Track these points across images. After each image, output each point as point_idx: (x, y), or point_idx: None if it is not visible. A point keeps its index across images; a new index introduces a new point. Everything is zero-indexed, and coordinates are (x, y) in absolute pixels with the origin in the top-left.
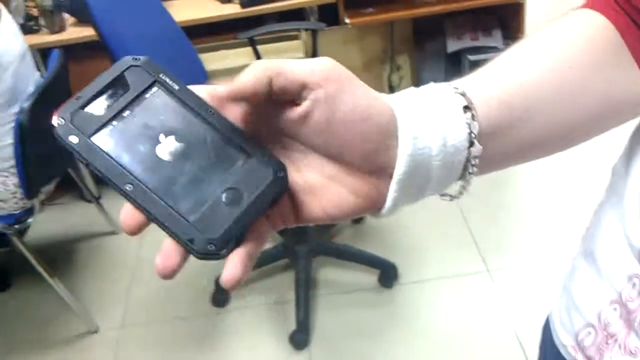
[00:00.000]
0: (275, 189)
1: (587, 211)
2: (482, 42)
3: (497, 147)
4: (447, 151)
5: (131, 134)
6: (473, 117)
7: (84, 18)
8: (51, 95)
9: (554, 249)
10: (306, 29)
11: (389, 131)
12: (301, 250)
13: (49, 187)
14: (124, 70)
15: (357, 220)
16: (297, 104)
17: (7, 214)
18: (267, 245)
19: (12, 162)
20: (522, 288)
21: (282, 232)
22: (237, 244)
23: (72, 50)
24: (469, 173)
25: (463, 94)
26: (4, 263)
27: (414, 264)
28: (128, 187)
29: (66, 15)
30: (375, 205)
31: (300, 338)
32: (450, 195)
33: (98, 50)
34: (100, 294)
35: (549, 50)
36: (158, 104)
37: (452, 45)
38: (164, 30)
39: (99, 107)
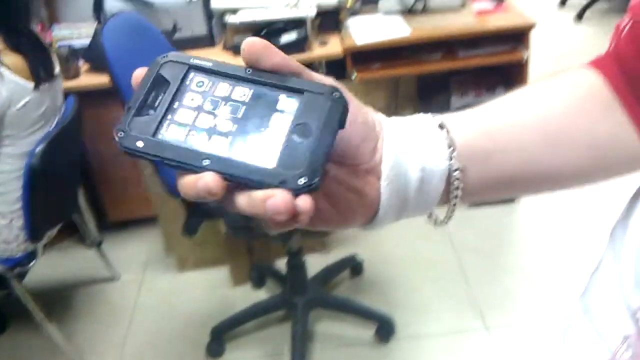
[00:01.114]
0: (337, 109)
1: (588, 271)
2: (487, 99)
3: (477, 172)
4: (426, 159)
5: (188, 119)
6: (448, 132)
7: (97, 65)
8: (64, 140)
9: (553, 308)
10: None
11: (380, 135)
12: (299, 301)
13: (52, 232)
14: (159, 70)
15: (356, 273)
16: None
17: (9, 257)
18: (265, 296)
19: (19, 205)
20: (520, 347)
21: (280, 284)
22: (324, 171)
23: (85, 97)
24: (455, 197)
25: (440, 121)
26: (1, 306)
27: (411, 319)
28: (205, 162)
29: (80, 62)
30: (373, 208)
31: None
32: (436, 220)
33: (110, 97)
34: (96, 341)
35: (537, 97)
36: (200, 84)
37: (457, 102)
38: None
39: (150, 108)
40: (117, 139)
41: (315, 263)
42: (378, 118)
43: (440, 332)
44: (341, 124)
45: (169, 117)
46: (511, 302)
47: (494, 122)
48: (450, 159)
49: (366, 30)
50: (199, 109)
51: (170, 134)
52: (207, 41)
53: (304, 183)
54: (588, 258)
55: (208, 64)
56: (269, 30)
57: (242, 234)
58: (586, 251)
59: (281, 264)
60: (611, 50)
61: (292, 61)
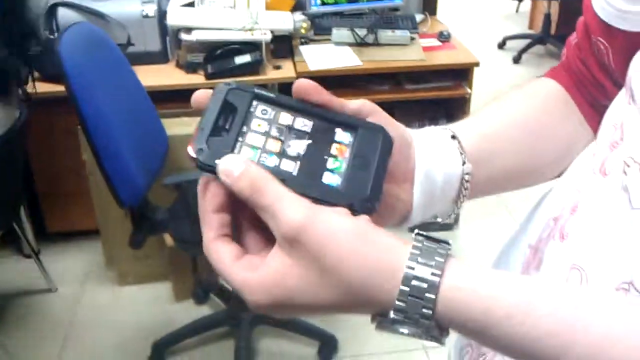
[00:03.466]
0: (388, 145)
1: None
2: None
3: (483, 172)
4: (447, 165)
5: (259, 143)
6: (459, 142)
7: (47, 74)
8: (7, 149)
9: None
10: None
11: (412, 146)
12: (244, 317)
13: None
14: (225, 96)
15: None
16: None
17: None
18: (208, 312)
19: None
20: None
21: (224, 300)
22: (380, 197)
23: (31, 105)
24: (463, 195)
25: (452, 132)
26: None
27: (353, 338)
28: (282, 180)
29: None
30: (406, 210)
31: None
32: (440, 221)
33: (57, 106)
34: (30, 354)
35: (515, 103)
36: (264, 112)
37: None
38: (130, 92)
39: (222, 130)
40: (195, 155)
41: None
42: (408, 131)
43: (381, 351)
44: (390, 157)
45: (241, 139)
46: None
47: (489, 127)
48: (463, 163)
49: (319, 57)
50: (266, 134)
51: (245, 155)
52: (161, 57)
53: (368, 207)
54: None
55: (271, 95)
56: (224, 50)
57: (189, 247)
58: None
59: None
60: (563, 61)
61: (336, 99)
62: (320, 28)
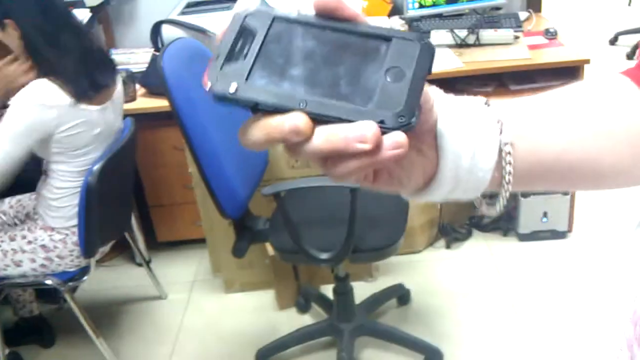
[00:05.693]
0: (427, 54)
1: None
2: None
3: (525, 150)
4: (481, 130)
5: (279, 65)
6: (494, 108)
7: (153, 89)
8: (120, 161)
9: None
10: None
11: (432, 98)
12: (345, 328)
13: (105, 248)
14: (243, 22)
15: (403, 302)
16: None
17: (62, 272)
18: (310, 321)
19: (74, 222)
20: None
21: (326, 309)
22: (419, 112)
23: (139, 119)
24: (507, 173)
25: (485, 99)
26: (51, 319)
27: (460, 351)
28: (303, 105)
29: (137, 86)
30: (431, 169)
31: None
32: (488, 203)
33: (163, 120)
34: (141, 358)
35: (578, 91)
36: (287, 33)
37: None
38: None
39: (239, 56)
40: (207, 86)
41: (361, 290)
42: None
43: None
44: (429, 69)
45: (260, 63)
46: (561, 337)
47: (538, 107)
48: (500, 132)
49: None
50: (289, 56)
51: (263, 79)
52: None
53: (403, 121)
54: None
55: (292, 15)
56: None
57: (289, 257)
58: None
59: (327, 289)
60: (639, 62)
61: (362, 15)
62: (418, 31)
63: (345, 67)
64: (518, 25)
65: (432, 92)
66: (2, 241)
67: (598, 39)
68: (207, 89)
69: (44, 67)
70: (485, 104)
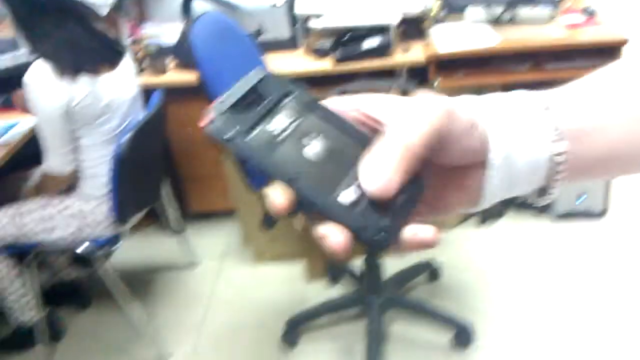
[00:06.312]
0: (420, 186)
1: None
2: None
3: (583, 150)
4: (533, 146)
5: (280, 135)
6: (553, 115)
7: (184, 62)
8: (149, 132)
9: None
10: (397, 88)
11: (485, 146)
12: (374, 301)
13: (138, 216)
14: (259, 82)
15: (433, 278)
16: None
17: (97, 238)
18: (339, 293)
19: (106, 190)
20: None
21: (356, 282)
22: (399, 235)
23: (170, 93)
24: (555, 179)
25: (547, 104)
26: (87, 284)
27: (491, 327)
28: (293, 179)
29: (168, 59)
30: (477, 197)
31: None
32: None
33: (194, 94)
34: (173, 325)
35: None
36: (294, 111)
37: None
38: None
39: (244, 110)
40: (206, 123)
41: (392, 265)
42: (472, 114)
43: (518, 342)
44: (420, 194)
45: (262, 125)
46: (593, 318)
47: (594, 96)
48: (555, 141)
49: (450, 38)
50: (291, 131)
51: (260, 141)
52: (290, 44)
53: (381, 238)
54: None
55: (306, 97)
56: (352, 35)
57: None
58: None
59: (357, 262)
60: None
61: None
62: (453, 8)
63: (343, 165)
64: (555, 3)
65: (470, 118)
66: (36, 208)
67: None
68: (205, 126)
69: (30, 47)
70: (545, 108)
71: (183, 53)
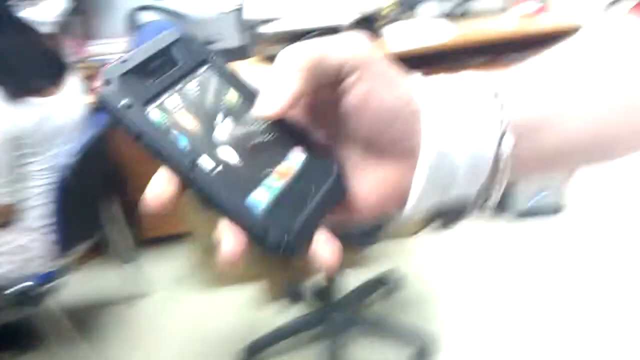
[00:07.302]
0: (340, 187)
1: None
2: None
3: (529, 146)
4: (476, 141)
5: (186, 111)
6: (502, 105)
7: None
8: (93, 156)
9: (609, 317)
10: None
11: (416, 130)
12: (337, 318)
13: (82, 246)
14: (171, 43)
15: (395, 289)
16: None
17: (40, 272)
18: (300, 313)
19: (49, 220)
20: None
21: (317, 301)
22: (310, 241)
23: None
24: (502, 178)
25: (496, 90)
26: (30, 323)
27: (455, 336)
28: (190, 167)
29: None
30: (403, 198)
31: None
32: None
33: None
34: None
35: (593, 51)
36: (211, 83)
37: None
38: None
39: (148, 76)
40: (99, 85)
41: (353, 278)
42: (419, 110)
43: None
44: (338, 201)
45: (166, 96)
46: (558, 317)
47: (550, 78)
48: (501, 136)
49: (404, 36)
50: (201, 105)
51: (162, 116)
52: (242, 53)
53: (285, 245)
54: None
55: (227, 70)
56: (305, 39)
57: None
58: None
59: (317, 279)
60: None
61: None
62: (407, 5)
63: (256, 156)
64: None
65: (417, 107)
66: None
67: (595, 3)
68: (97, 90)
69: None
70: (494, 94)
71: None
